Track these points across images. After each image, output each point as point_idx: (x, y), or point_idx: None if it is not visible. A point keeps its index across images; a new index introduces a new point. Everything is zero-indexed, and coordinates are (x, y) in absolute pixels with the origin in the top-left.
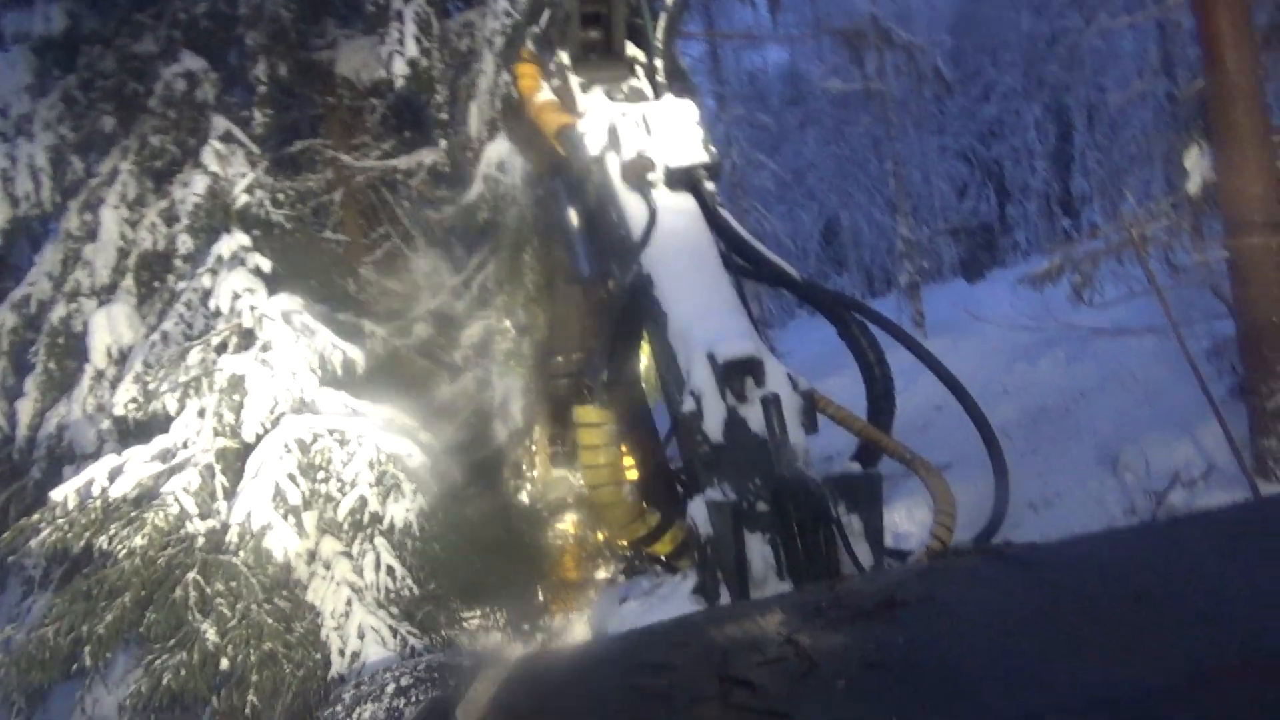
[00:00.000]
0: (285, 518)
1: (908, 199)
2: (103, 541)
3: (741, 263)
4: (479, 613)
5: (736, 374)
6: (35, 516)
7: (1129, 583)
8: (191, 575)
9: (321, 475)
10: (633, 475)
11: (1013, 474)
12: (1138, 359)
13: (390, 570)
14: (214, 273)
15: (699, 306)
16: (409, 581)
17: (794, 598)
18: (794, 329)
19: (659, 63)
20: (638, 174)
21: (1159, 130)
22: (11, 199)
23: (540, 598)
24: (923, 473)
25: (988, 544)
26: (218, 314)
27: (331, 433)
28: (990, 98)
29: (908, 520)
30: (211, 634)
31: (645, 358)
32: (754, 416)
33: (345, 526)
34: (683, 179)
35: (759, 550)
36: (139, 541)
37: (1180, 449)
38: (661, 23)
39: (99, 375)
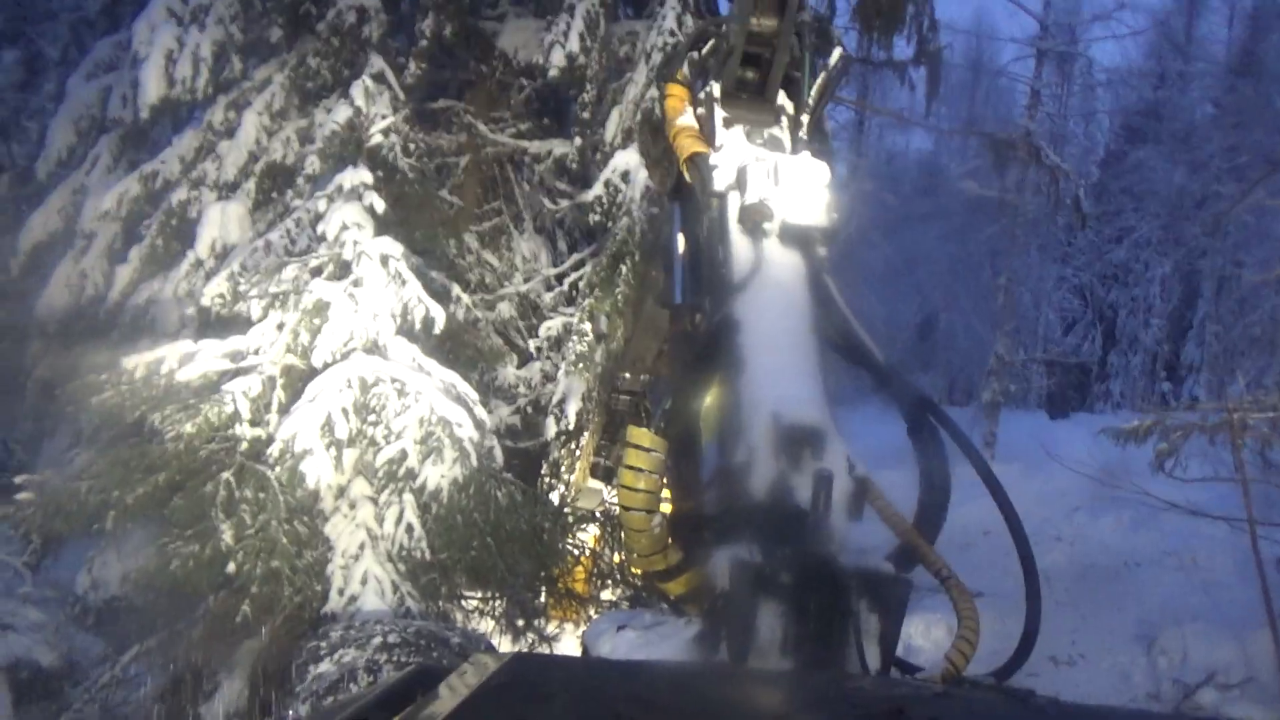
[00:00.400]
0: (328, 448)
1: (1012, 318)
2: (156, 419)
3: (832, 334)
4: (480, 596)
5: (796, 441)
6: (104, 376)
7: None
8: (226, 475)
9: (373, 418)
10: (666, 509)
11: (1045, 622)
12: (1204, 544)
13: (409, 528)
14: (330, 199)
15: (778, 364)
16: (424, 544)
17: (803, 679)
18: (865, 414)
19: (805, 118)
20: (755, 220)
21: None
22: (170, 79)
23: (542, 599)
24: (955, 593)
25: (1008, 685)
26: (322, 239)
27: (393, 380)
28: (1123, 242)
29: (923, 637)
30: (228, 536)
31: (709, 398)
32: (802, 487)
33: (380, 474)
34: (797, 237)
35: (770, 621)
36: (188, 428)
37: (1224, 648)
38: (819, 82)
39: (198, 264)
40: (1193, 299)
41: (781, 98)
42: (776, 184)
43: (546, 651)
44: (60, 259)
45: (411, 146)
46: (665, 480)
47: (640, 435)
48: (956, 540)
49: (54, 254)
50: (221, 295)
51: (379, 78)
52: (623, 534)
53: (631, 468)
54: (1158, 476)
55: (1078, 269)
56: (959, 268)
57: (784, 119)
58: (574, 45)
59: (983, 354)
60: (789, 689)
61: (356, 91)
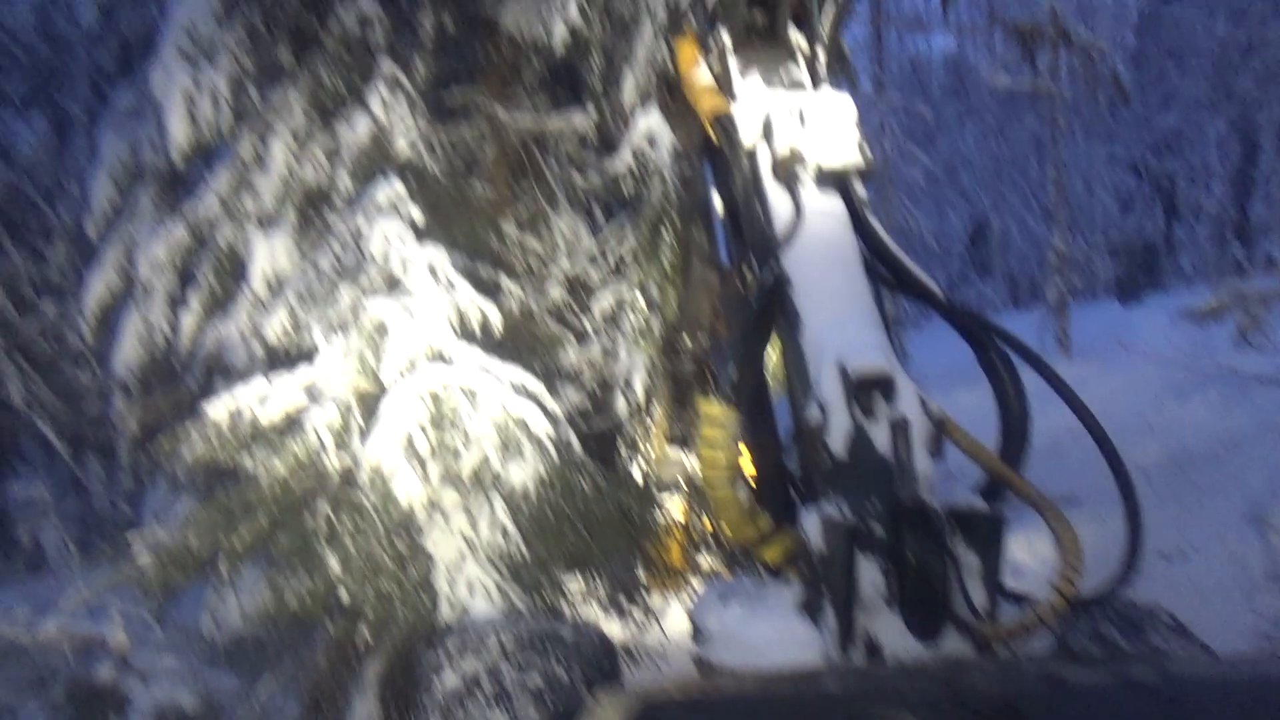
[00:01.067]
0: (412, 465)
1: (1066, 208)
2: (247, 461)
3: (884, 273)
4: (582, 582)
5: (867, 389)
6: (190, 428)
7: None
8: (323, 506)
9: (449, 429)
10: (750, 473)
11: (1148, 520)
12: None
13: (504, 530)
14: (368, 216)
15: (836, 314)
16: (519, 543)
17: (911, 679)
18: (929, 333)
19: (821, 50)
20: (788, 170)
21: None
22: (193, 120)
23: (642, 576)
24: (1051, 520)
25: (1124, 654)
26: (369, 257)
27: (463, 388)
28: (1171, 107)
29: (1029, 555)
30: (335, 564)
31: (774, 355)
32: (880, 435)
33: (466, 482)
34: (833, 180)
35: (870, 575)
36: (280, 466)
37: None
38: (829, 11)
39: (256, 299)
40: (1254, 155)
41: (794, 34)
42: (804, 128)
43: (654, 628)
44: (126, 313)
45: (436, 147)
46: (742, 446)
47: (712, 408)
48: (1044, 447)
49: (119, 309)
50: (284, 328)
51: (392, 82)
52: (711, 505)
53: (708, 441)
54: (1243, 350)
55: (1127, 144)
56: (1003, 166)
57: (800, 55)
58: (573, 14)
59: (1041, 251)
60: (895, 693)
61: (374, 103)
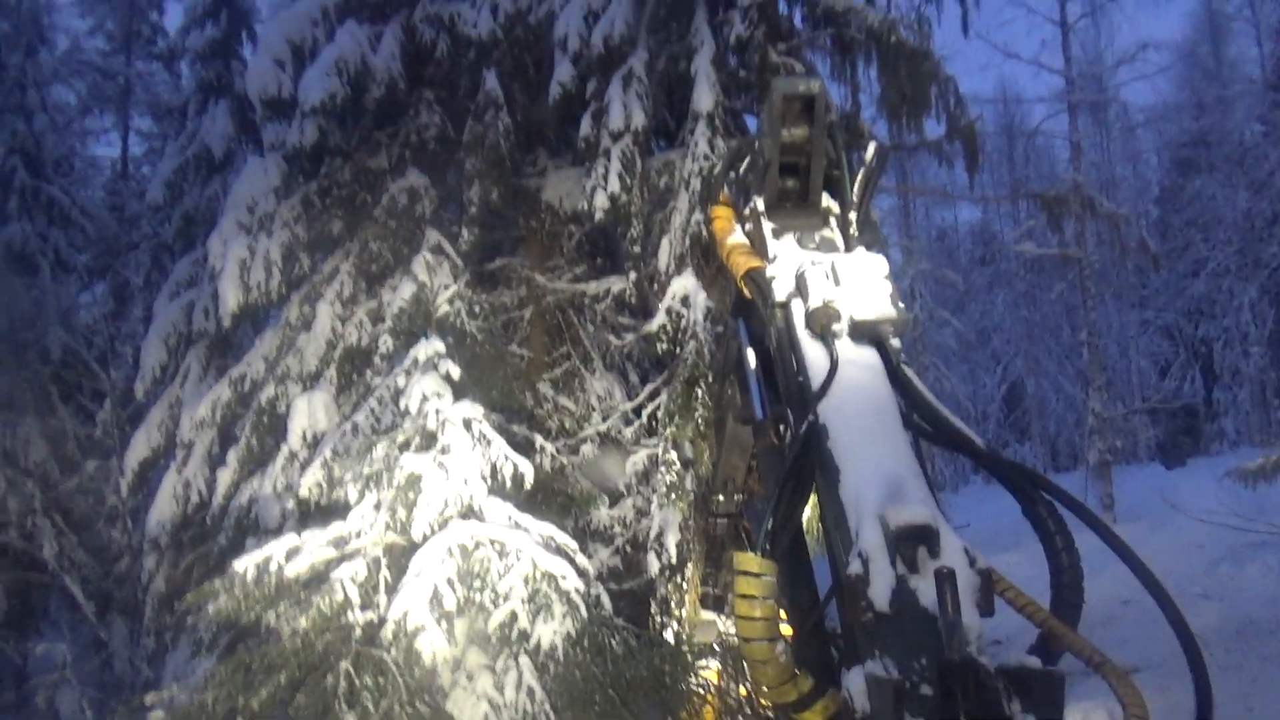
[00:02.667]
0: (439, 621)
1: (1102, 372)
2: (270, 617)
3: (922, 424)
4: None
5: (909, 542)
6: (216, 583)
7: None
8: (344, 664)
9: (478, 584)
10: (788, 632)
11: (1214, 691)
12: None
13: (530, 691)
14: (408, 374)
15: (875, 465)
16: (546, 707)
17: None
18: (968, 495)
19: (853, 215)
20: (823, 323)
21: None
22: (245, 286)
23: None
24: (1113, 679)
25: None
26: (406, 413)
27: (493, 543)
28: (1200, 274)
29: None
30: None
31: (810, 510)
32: (925, 589)
33: (493, 640)
34: (868, 333)
35: None
36: (303, 623)
37: None
38: (859, 178)
39: (292, 456)
40: None
41: (826, 199)
42: (838, 284)
43: None
44: (163, 473)
45: (476, 309)
46: (781, 603)
47: (747, 560)
48: (1096, 615)
49: (158, 469)
50: (318, 484)
51: (437, 250)
52: (747, 667)
53: (745, 596)
54: None
55: (1159, 310)
56: (1035, 330)
57: (832, 219)
58: (614, 186)
59: (1078, 414)
60: None
61: (418, 266)
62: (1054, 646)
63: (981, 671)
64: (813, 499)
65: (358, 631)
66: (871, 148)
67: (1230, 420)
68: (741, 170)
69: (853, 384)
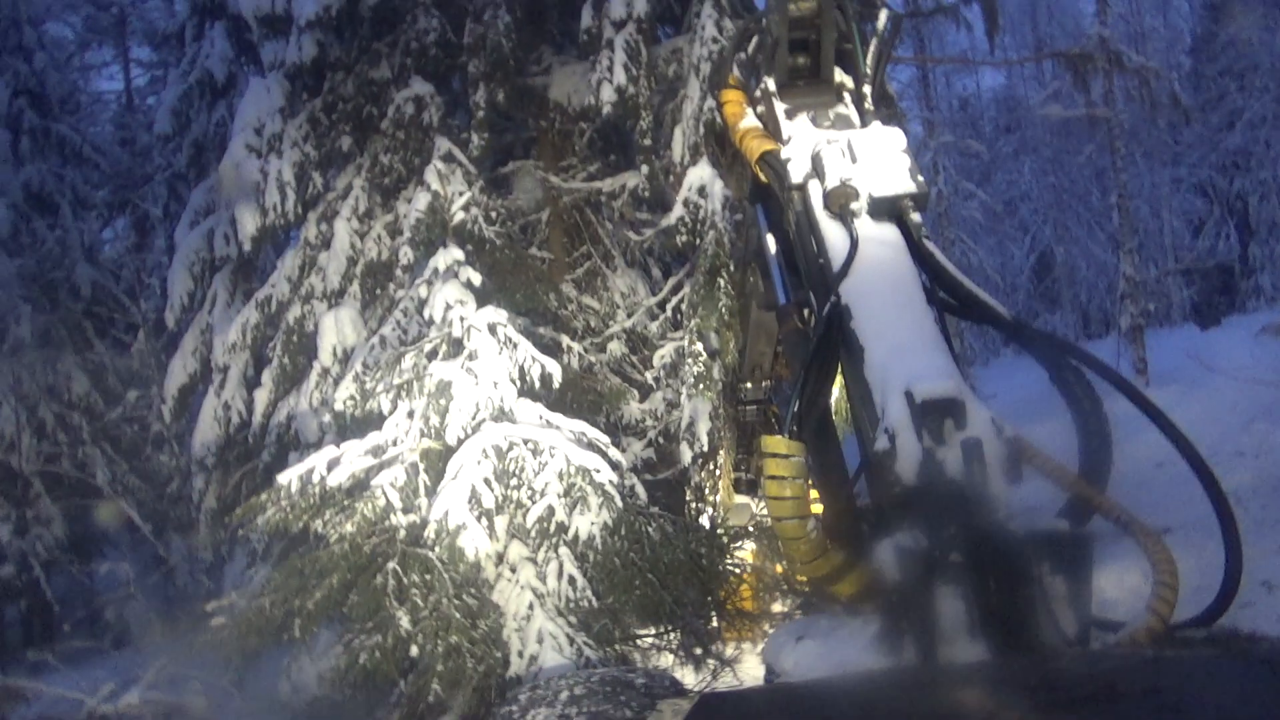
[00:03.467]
0: (479, 519)
1: (1134, 235)
2: (318, 525)
3: (946, 298)
4: (653, 632)
5: (935, 414)
6: (263, 497)
7: None
8: (392, 564)
9: (514, 482)
10: (819, 510)
11: (1246, 546)
12: None
13: (571, 580)
14: (429, 284)
15: (899, 341)
16: (588, 593)
17: (999, 670)
18: (997, 368)
19: (867, 89)
20: (841, 202)
21: None
22: (261, 209)
23: (715, 623)
24: (1141, 537)
25: (1219, 632)
26: (431, 322)
27: (526, 442)
28: (1235, 126)
29: (1117, 587)
30: (405, 621)
31: (838, 390)
32: (952, 461)
33: (533, 533)
34: (888, 209)
35: (950, 604)
36: (349, 528)
37: None
38: (872, 49)
39: (325, 372)
40: None
41: (838, 74)
42: (854, 161)
43: (729, 677)
44: (203, 396)
45: (493, 214)
46: (811, 482)
47: (776, 443)
48: (1129, 479)
49: (197, 393)
50: (352, 397)
51: (448, 158)
52: (780, 545)
53: (774, 477)
54: None
55: (1193, 166)
56: (1064, 197)
57: (846, 95)
58: (620, 78)
59: (1110, 279)
60: (985, 683)
61: (430, 176)
62: (1083, 510)
63: (1010, 538)
64: (840, 379)
65: (402, 533)
66: (883, 16)
67: (1268, 276)
68: (751, 50)
69: (874, 262)
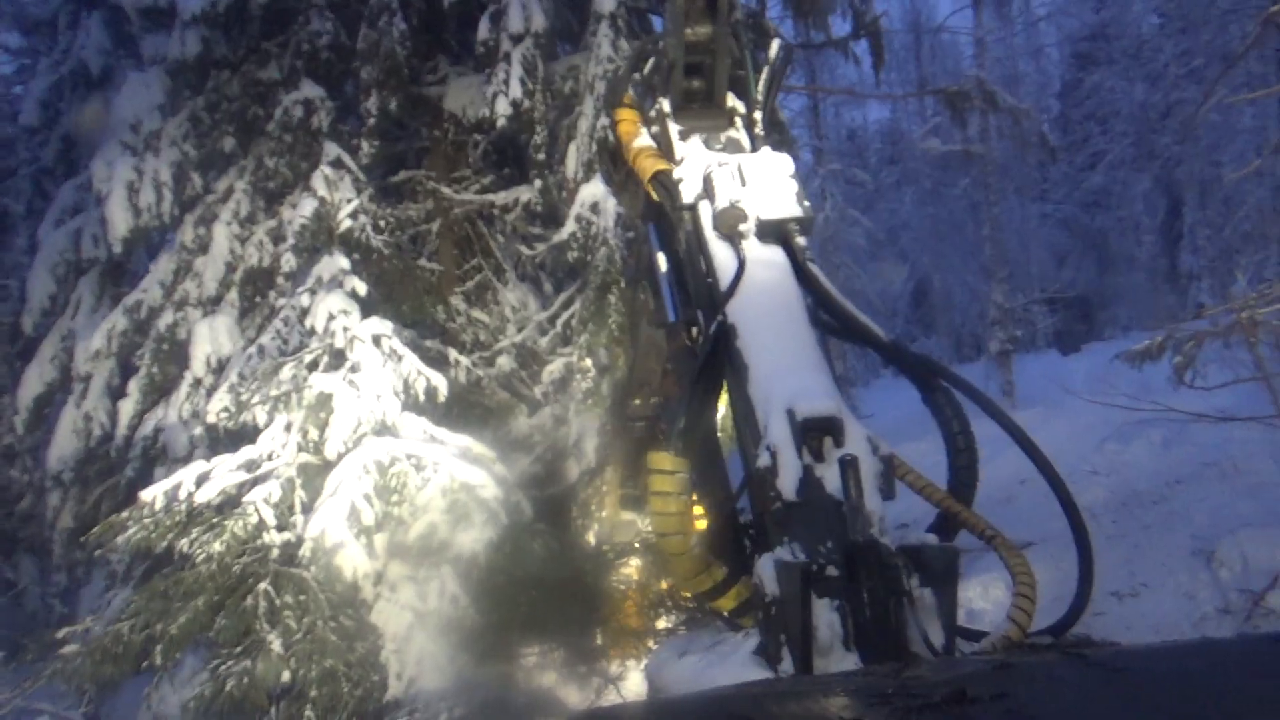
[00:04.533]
0: (358, 537)
1: (1004, 265)
2: (184, 544)
3: (829, 320)
4: (537, 650)
5: (815, 432)
6: (125, 514)
7: (1228, 705)
8: (264, 585)
9: (395, 498)
10: (702, 526)
11: (1099, 559)
12: (1241, 449)
13: (454, 598)
14: (313, 292)
15: (782, 361)
16: (471, 611)
17: (859, 680)
18: (877, 389)
19: (758, 115)
20: (730, 224)
21: (1276, 209)
22: (135, 209)
23: (599, 641)
24: (1003, 551)
25: (1070, 640)
26: (312, 332)
27: (409, 457)
28: (1097, 167)
29: (982, 598)
30: (277, 645)
31: (723, 408)
32: (830, 477)
33: (414, 551)
34: (774, 232)
35: (826, 616)
36: (217, 547)
37: None
38: (764, 76)
39: (197, 383)
40: (1178, 208)
41: (731, 99)
42: (744, 184)
43: (614, 695)
44: (61, 407)
45: (381, 223)
46: (694, 498)
47: (661, 459)
48: (996, 496)
49: (55, 404)
50: (226, 409)
51: (337, 164)
52: (664, 560)
53: (659, 493)
54: (1180, 390)
55: (1058, 202)
56: (941, 227)
57: (738, 119)
58: (516, 92)
59: (982, 307)
60: (848, 694)
61: (317, 181)
62: (951, 525)
63: (883, 551)
64: (724, 397)
65: (275, 552)
66: (775, 45)
67: (1123, 307)
68: (646, 71)
69: (760, 283)
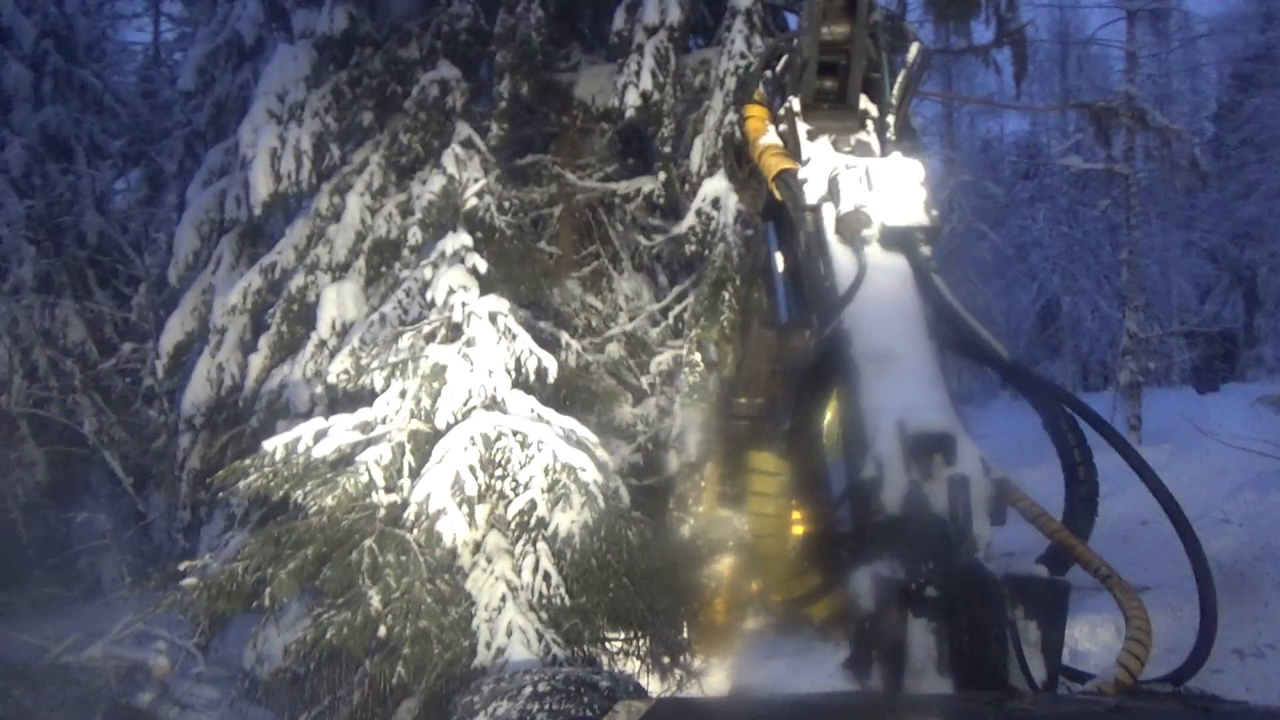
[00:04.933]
0: (460, 506)
1: (1141, 292)
2: (298, 495)
3: (949, 334)
4: (623, 636)
5: (925, 448)
6: (247, 461)
7: None
8: (369, 542)
9: (499, 472)
10: (799, 531)
11: (1222, 612)
12: None
13: (546, 576)
14: (435, 266)
15: (896, 372)
16: (562, 590)
17: (959, 704)
18: (994, 410)
19: (891, 119)
20: (853, 228)
21: None
22: (276, 175)
23: (685, 634)
24: (1118, 592)
25: (1187, 689)
26: (432, 305)
27: (515, 433)
28: (1251, 196)
29: (1089, 639)
30: (376, 601)
31: (830, 414)
32: (938, 495)
33: (512, 525)
34: (898, 239)
35: (921, 638)
36: (329, 501)
37: None
38: (900, 80)
39: (321, 344)
40: None
41: (864, 101)
42: (870, 189)
43: (695, 688)
44: (198, 356)
45: (505, 204)
46: (794, 503)
47: (764, 460)
48: (1113, 534)
49: (192, 352)
50: (346, 371)
51: (467, 143)
52: (759, 562)
53: (758, 494)
54: None
55: (1205, 231)
56: (1075, 248)
57: (869, 123)
58: (647, 83)
59: (1113, 334)
60: (943, 714)
61: (447, 160)
62: (1063, 559)
63: (987, 578)
64: (833, 403)
65: (381, 512)
66: (914, 49)
67: (1269, 347)
68: (778, 69)
69: (880, 290)
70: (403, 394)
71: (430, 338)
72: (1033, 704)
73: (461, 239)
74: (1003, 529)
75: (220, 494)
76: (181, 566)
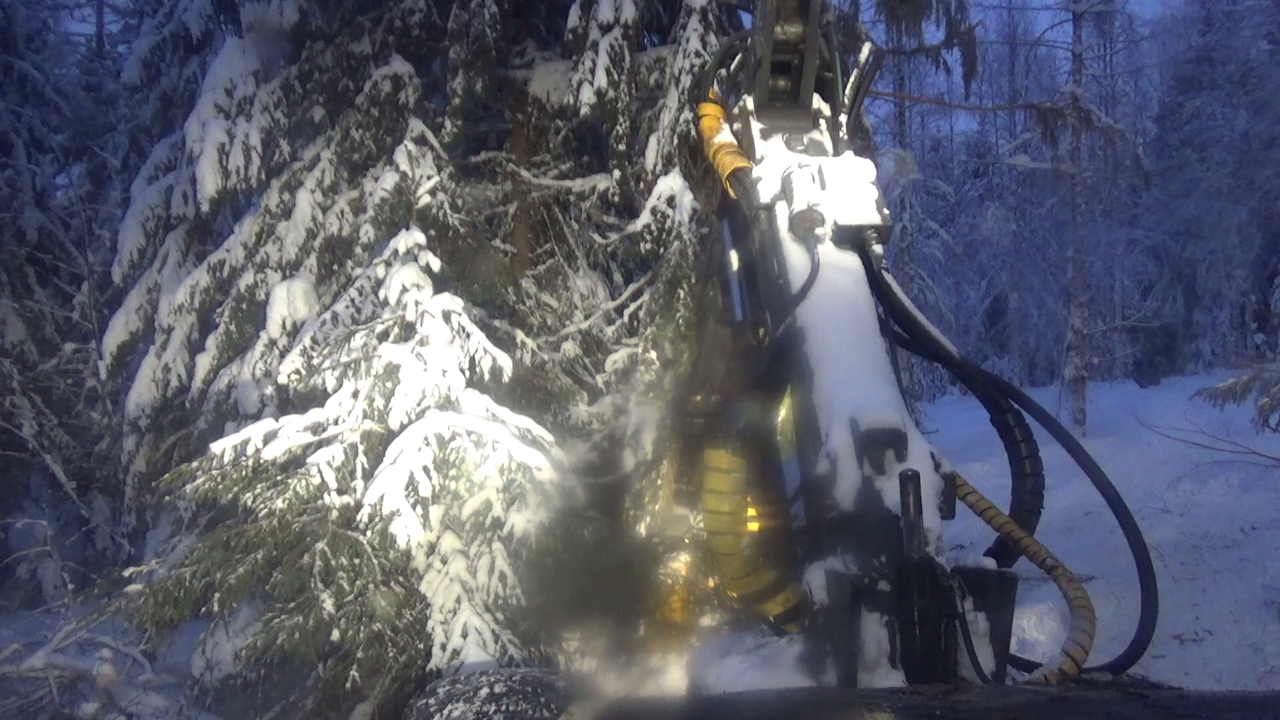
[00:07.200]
0: (414, 507)
1: (1086, 289)
2: (248, 498)
3: (899, 331)
4: (579, 635)
5: (877, 444)
6: (194, 464)
7: None
8: (320, 545)
9: (453, 472)
10: (754, 528)
11: (1163, 599)
12: None
13: (502, 576)
14: (388, 264)
15: (848, 369)
16: (518, 590)
17: (906, 697)
18: (943, 405)
19: (843, 119)
20: (806, 226)
21: None
22: (224, 171)
23: (641, 632)
24: (1063, 583)
25: (1128, 678)
26: (385, 304)
27: (469, 433)
28: (1191, 195)
29: (1036, 629)
30: (329, 604)
31: (784, 411)
32: (889, 491)
33: (467, 526)
34: (851, 238)
35: (874, 631)
36: (280, 504)
37: None
38: (852, 80)
39: (271, 344)
40: (1275, 243)
41: (816, 101)
42: (823, 188)
43: (652, 687)
44: (143, 356)
45: (459, 202)
46: (749, 499)
47: (718, 457)
48: (1058, 525)
49: (137, 352)
50: (297, 371)
51: (420, 140)
52: (714, 559)
53: (713, 491)
54: (1263, 433)
55: (1148, 229)
56: (1022, 245)
57: (822, 122)
58: (601, 81)
59: (1059, 330)
60: (894, 710)
61: (400, 157)
62: (1011, 551)
63: (938, 571)
64: (787, 400)
65: (334, 514)
66: (866, 49)
67: (1208, 342)
68: (732, 68)
69: (832, 288)
70: (355, 394)
71: (383, 337)
72: (978, 696)
73: (415, 237)
74: (952, 522)
75: (166, 498)
76: (127, 572)
